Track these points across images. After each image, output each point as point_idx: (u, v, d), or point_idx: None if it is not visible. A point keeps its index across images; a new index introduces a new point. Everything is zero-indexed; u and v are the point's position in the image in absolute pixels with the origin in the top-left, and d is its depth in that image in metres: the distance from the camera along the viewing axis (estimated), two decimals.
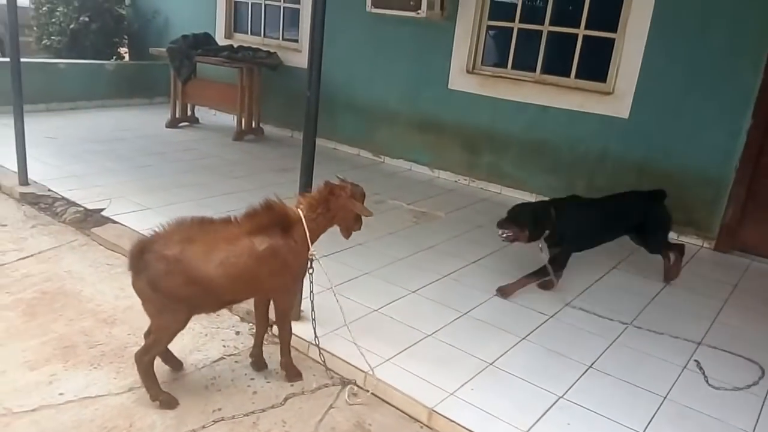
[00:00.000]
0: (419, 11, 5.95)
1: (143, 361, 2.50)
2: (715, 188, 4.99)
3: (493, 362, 3.04)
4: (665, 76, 5.08)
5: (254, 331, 2.91)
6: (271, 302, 2.78)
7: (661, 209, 4.07)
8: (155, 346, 2.51)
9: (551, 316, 3.57)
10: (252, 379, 2.83)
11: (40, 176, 4.98)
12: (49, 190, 4.79)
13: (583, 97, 5.52)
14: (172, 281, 2.36)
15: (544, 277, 3.72)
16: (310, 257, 2.68)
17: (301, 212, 2.62)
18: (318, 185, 2.76)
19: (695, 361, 3.23)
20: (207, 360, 2.90)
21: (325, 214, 2.67)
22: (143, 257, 2.37)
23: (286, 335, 2.80)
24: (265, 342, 2.89)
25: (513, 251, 4.28)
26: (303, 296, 3.22)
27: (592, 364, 3.12)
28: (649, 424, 2.70)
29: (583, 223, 3.76)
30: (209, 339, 3.10)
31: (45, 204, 4.57)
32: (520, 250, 3.86)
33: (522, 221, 3.58)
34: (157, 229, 2.43)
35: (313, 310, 2.91)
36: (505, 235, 3.62)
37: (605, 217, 3.88)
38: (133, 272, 2.42)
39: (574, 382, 2.94)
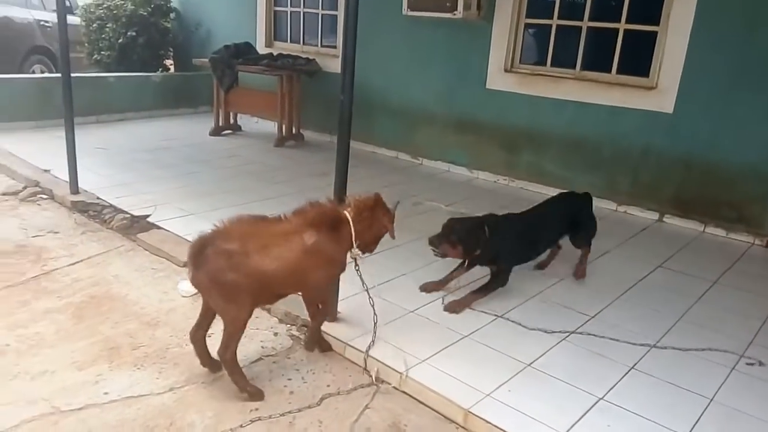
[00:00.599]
0: (455, 12, 5.92)
1: (226, 358, 2.63)
2: (766, 183, 4.79)
3: (531, 363, 2.99)
4: (711, 70, 4.91)
5: (290, 333, 2.96)
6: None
7: (590, 209, 4.05)
8: (231, 339, 2.62)
9: (592, 317, 3.49)
10: (289, 379, 2.87)
11: (91, 185, 5.17)
12: (98, 198, 4.97)
13: (625, 93, 5.38)
14: (232, 274, 2.48)
15: (492, 291, 3.58)
16: (353, 257, 2.82)
17: (348, 214, 2.76)
18: (369, 194, 2.87)
19: (747, 363, 3.11)
20: (245, 360, 2.95)
21: (368, 221, 2.81)
22: (204, 252, 2.48)
23: (327, 308, 3.02)
24: (300, 346, 2.94)
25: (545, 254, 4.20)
26: (341, 298, 3.27)
27: (635, 365, 3.03)
28: (694, 426, 2.61)
29: (516, 241, 3.64)
30: (248, 340, 3.15)
31: (94, 211, 4.74)
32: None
33: (455, 238, 3.45)
34: (216, 225, 2.55)
35: (373, 307, 2.97)
36: (436, 252, 3.50)
37: (539, 230, 3.77)
38: (194, 267, 2.53)
39: (615, 384, 2.87)
